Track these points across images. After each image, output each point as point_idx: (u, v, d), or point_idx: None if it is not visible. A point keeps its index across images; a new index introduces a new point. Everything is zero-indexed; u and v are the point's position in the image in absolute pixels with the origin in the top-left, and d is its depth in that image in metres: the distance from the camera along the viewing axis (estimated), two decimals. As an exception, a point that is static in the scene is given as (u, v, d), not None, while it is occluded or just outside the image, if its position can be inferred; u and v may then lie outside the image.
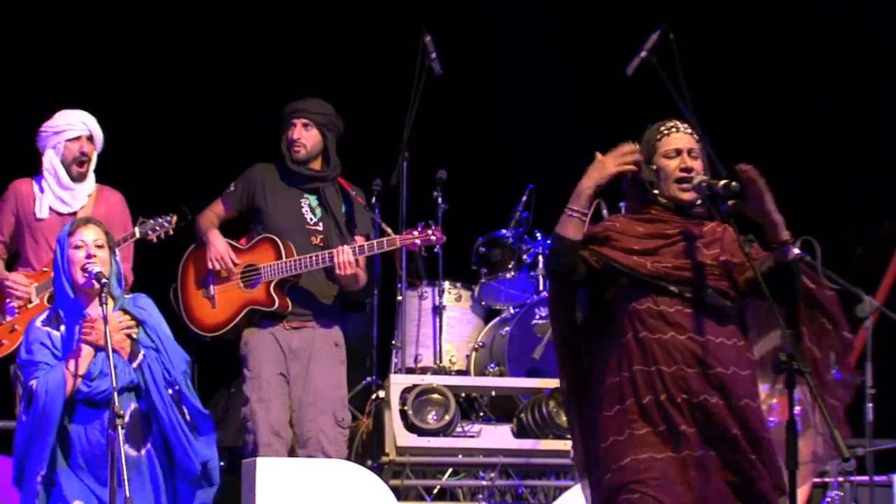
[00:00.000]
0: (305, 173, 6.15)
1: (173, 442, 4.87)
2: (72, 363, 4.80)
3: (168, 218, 6.03)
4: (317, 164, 6.22)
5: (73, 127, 6.11)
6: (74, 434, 4.83)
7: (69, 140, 6.10)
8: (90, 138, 6.15)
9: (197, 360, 6.18)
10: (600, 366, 4.24)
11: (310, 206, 6.20)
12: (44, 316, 4.99)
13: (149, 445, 4.88)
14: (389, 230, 6.14)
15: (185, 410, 4.92)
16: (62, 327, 4.91)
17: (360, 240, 6.14)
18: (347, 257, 5.89)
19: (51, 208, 6.11)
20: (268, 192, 6.19)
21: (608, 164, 4.20)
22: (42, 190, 6.12)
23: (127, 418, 4.78)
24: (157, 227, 6.00)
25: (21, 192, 6.18)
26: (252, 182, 6.23)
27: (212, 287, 6.20)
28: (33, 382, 4.80)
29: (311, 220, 6.20)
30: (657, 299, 4.19)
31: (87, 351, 4.81)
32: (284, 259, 6.03)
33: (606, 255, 4.22)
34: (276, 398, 6.03)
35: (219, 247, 6.14)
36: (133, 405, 4.86)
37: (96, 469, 4.80)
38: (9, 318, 6.01)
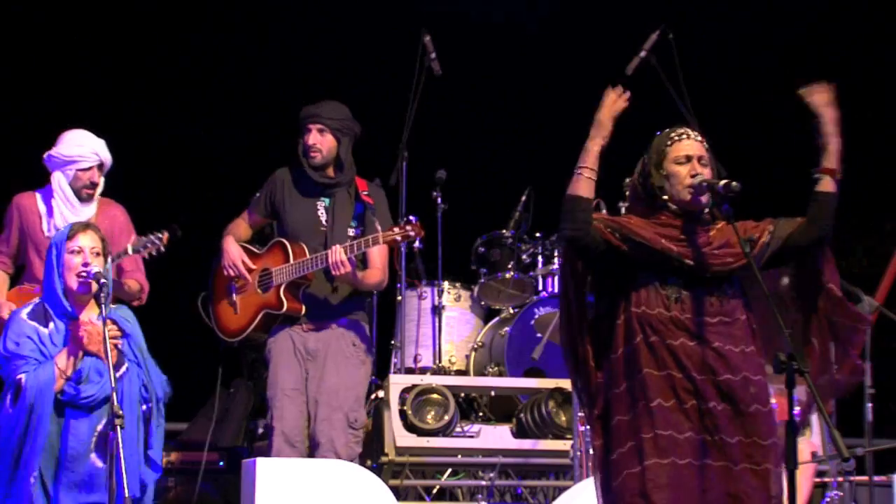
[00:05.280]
0: (320, 180, 6.15)
1: (126, 459, 4.76)
2: (61, 362, 4.78)
3: (159, 235, 5.97)
4: (331, 170, 6.19)
5: (87, 159, 6.09)
6: (58, 438, 4.79)
7: (81, 170, 6.09)
8: (100, 166, 6.15)
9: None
10: (610, 369, 4.24)
11: (325, 207, 6.18)
12: (29, 309, 4.93)
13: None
14: (378, 227, 6.12)
15: (148, 431, 4.91)
16: (51, 325, 4.87)
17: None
18: (339, 256, 5.88)
19: (56, 228, 6.02)
20: (286, 197, 6.18)
21: (603, 117, 4.27)
22: (49, 208, 6.12)
23: (101, 428, 4.76)
24: (149, 244, 5.94)
25: (24, 206, 6.16)
26: (273, 188, 6.23)
27: (234, 293, 6.22)
28: (22, 377, 4.76)
29: (326, 222, 6.16)
30: (669, 304, 4.19)
31: (76, 352, 4.79)
32: (291, 262, 6.03)
33: (625, 228, 4.23)
34: (292, 408, 6.01)
35: (231, 253, 6.16)
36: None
37: (70, 474, 4.78)
38: None
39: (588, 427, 6.09)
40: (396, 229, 5.92)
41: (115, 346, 4.86)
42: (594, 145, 4.26)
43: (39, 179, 6.22)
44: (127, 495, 4.51)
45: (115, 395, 4.59)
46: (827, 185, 4.31)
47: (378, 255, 6.08)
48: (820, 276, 4.36)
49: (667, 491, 4.06)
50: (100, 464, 4.79)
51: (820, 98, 4.33)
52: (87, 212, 6.12)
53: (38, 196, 6.18)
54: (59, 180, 6.11)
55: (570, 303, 4.35)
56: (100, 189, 6.17)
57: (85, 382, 4.79)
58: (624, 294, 4.25)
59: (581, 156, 4.28)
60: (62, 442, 4.79)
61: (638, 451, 4.11)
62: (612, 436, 4.19)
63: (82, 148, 6.11)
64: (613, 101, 4.29)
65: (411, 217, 6.02)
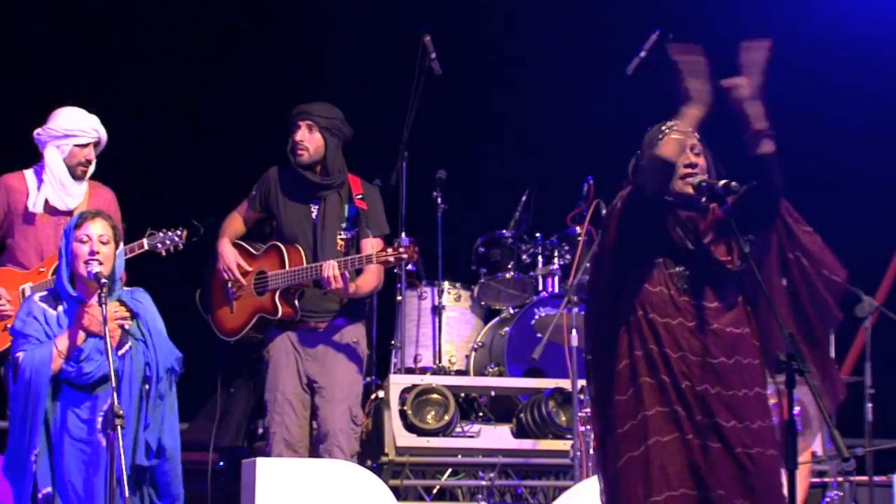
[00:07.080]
0: (312, 179, 6.13)
1: (124, 436, 4.78)
2: (61, 343, 4.86)
3: (178, 232, 5.97)
4: (318, 170, 6.17)
5: (86, 134, 6.01)
6: (54, 417, 4.86)
7: (78, 146, 6.00)
8: (97, 144, 6.08)
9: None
10: (616, 346, 4.24)
11: (318, 210, 6.19)
12: (44, 293, 5.07)
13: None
14: (370, 234, 6.11)
15: (149, 407, 4.91)
16: (60, 308, 4.98)
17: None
18: (333, 272, 5.88)
19: (47, 203, 5.98)
20: (280, 197, 6.17)
21: (689, 83, 4.15)
22: (40, 182, 6.01)
23: (106, 408, 4.80)
24: (167, 241, 5.94)
25: (11, 187, 6.06)
26: (267, 186, 6.22)
27: (231, 293, 6.23)
28: (20, 355, 4.87)
29: (317, 226, 6.17)
30: (670, 284, 4.20)
31: (78, 334, 4.86)
32: (287, 269, 6.03)
33: None
34: (295, 416, 6.06)
35: (227, 257, 6.17)
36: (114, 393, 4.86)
37: (71, 455, 4.82)
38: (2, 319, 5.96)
39: (588, 426, 6.11)
40: (390, 250, 5.93)
41: (121, 326, 4.91)
42: (688, 109, 4.15)
43: (21, 162, 6.12)
44: (127, 495, 4.53)
45: (115, 395, 4.63)
46: (766, 146, 4.22)
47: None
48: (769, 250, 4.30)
49: (669, 469, 4.06)
50: (104, 441, 4.81)
51: (756, 55, 4.21)
52: (79, 190, 6.04)
53: (26, 174, 6.07)
54: (52, 156, 5.99)
55: (616, 255, 4.28)
56: (91, 168, 6.08)
57: (84, 361, 4.86)
58: (630, 271, 4.25)
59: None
60: (67, 421, 4.85)
61: (638, 430, 4.12)
62: (611, 417, 4.20)
63: (82, 122, 6.02)
64: (687, 59, 4.14)
65: (406, 239, 6.02)
